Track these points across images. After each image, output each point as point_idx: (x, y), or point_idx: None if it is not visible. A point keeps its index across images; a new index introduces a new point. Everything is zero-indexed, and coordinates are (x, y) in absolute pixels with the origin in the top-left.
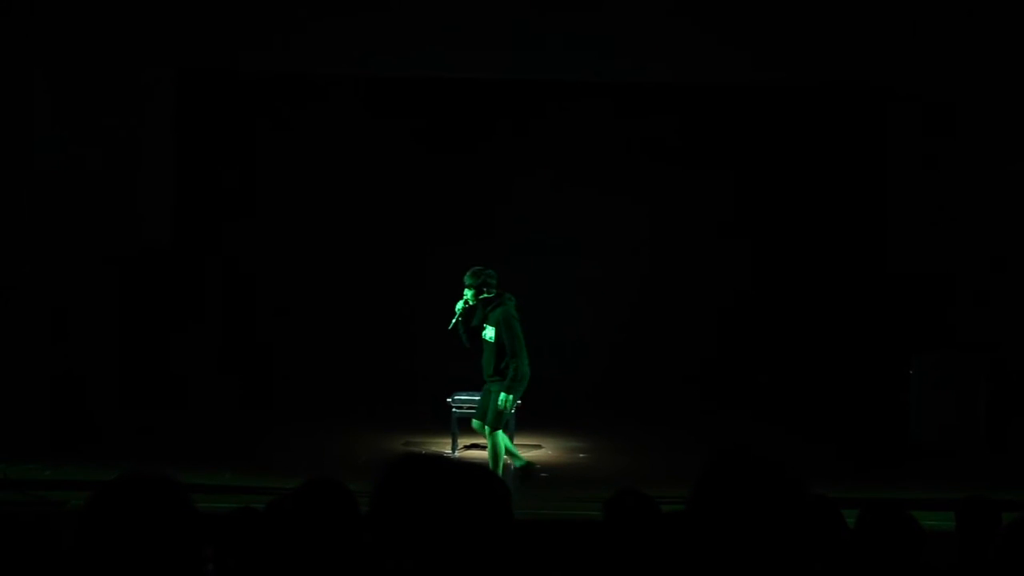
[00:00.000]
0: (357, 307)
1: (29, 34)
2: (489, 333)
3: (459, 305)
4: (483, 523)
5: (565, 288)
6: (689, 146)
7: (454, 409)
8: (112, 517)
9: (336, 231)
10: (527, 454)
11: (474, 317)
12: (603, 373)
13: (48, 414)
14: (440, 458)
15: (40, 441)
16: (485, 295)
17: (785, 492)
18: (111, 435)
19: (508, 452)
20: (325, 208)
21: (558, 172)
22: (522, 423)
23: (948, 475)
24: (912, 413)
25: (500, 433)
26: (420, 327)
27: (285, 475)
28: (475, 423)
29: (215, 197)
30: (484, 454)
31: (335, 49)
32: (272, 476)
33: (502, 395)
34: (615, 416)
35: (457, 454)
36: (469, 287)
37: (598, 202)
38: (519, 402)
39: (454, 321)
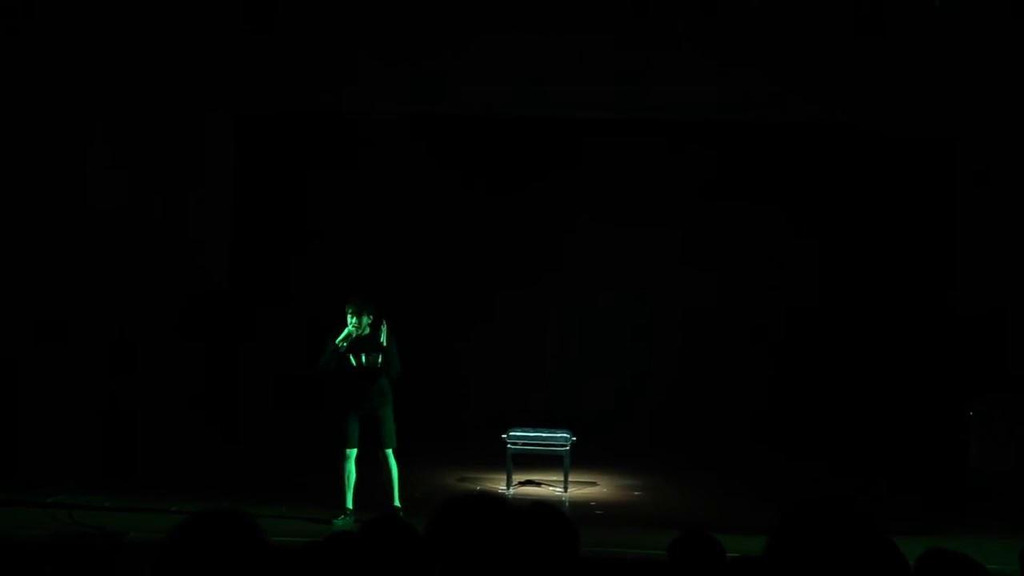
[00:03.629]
0: (413, 344)
1: (91, 81)
2: (377, 359)
3: (350, 330)
4: (551, 560)
5: (621, 326)
6: (749, 185)
7: (509, 445)
8: (191, 552)
9: (393, 270)
10: (583, 491)
11: (363, 344)
12: (658, 411)
13: (106, 448)
14: (504, 497)
15: (99, 474)
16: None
17: (867, 545)
18: (169, 470)
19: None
20: (382, 248)
21: (615, 211)
22: (578, 460)
23: (1009, 517)
24: (972, 454)
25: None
26: (476, 364)
27: (340, 509)
28: (388, 451)
29: (273, 238)
30: (540, 491)
31: (391, 90)
32: (328, 510)
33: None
34: (671, 454)
35: (512, 491)
36: (368, 315)
37: (657, 240)
38: None
39: (343, 344)
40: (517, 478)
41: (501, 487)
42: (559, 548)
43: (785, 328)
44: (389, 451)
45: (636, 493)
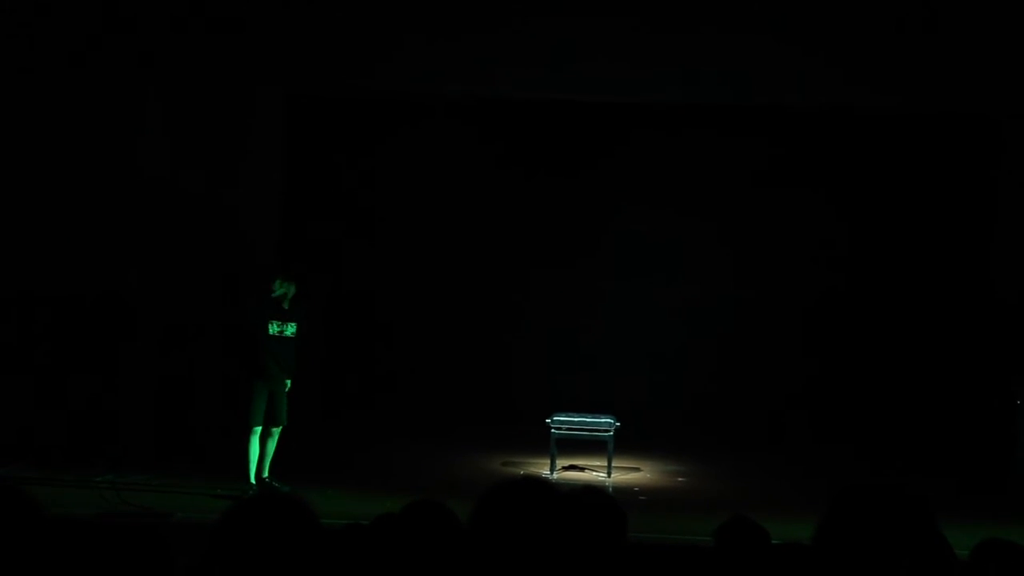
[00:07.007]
0: (460, 327)
1: (144, 59)
2: (292, 329)
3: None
4: (599, 545)
5: (666, 311)
6: (790, 170)
7: (553, 430)
8: (244, 534)
9: (442, 251)
10: (626, 476)
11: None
12: (702, 397)
13: (154, 428)
14: (551, 482)
15: (147, 454)
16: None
17: (918, 530)
18: (216, 449)
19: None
20: (431, 228)
21: (656, 197)
22: (621, 445)
23: None
24: (1019, 443)
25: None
26: (520, 349)
27: (385, 492)
28: (277, 429)
29: (322, 217)
30: (584, 476)
31: (440, 72)
32: (372, 492)
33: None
34: (714, 440)
35: (555, 475)
36: (287, 284)
37: (699, 225)
38: None
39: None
40: (561, 463)
41: (545, 472)
42: (607, 533)
43: (828, 313)
44: (279, 429)
45: (680, 479)
